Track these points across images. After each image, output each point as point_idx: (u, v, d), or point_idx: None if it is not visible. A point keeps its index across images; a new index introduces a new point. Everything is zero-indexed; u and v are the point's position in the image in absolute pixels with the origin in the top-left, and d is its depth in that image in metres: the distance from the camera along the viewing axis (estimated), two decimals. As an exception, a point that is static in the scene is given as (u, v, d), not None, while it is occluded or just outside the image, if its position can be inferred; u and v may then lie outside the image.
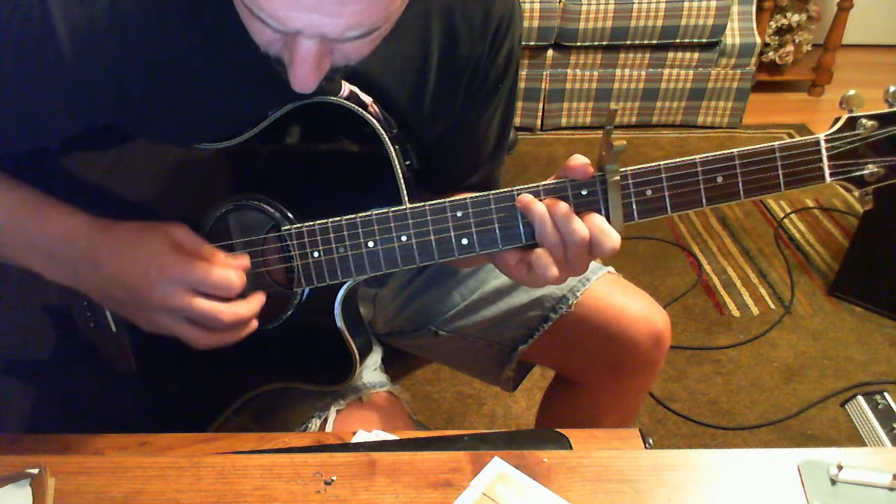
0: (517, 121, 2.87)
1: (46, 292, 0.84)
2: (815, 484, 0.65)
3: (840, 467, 0.65)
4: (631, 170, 0.70)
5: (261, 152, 0.77)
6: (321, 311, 0.79)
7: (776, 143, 0.69)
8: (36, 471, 0.65)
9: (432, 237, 0.73)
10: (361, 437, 0.80)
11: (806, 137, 0.69)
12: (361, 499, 0.64)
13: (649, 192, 0.70)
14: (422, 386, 1.75)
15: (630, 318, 0.95)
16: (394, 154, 0.75)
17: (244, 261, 0.75)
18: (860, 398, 1.70)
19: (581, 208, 0.70)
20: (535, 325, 0.98)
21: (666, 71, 2.79)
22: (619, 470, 0.67)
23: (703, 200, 0.70)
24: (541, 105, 2.85)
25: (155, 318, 0.72)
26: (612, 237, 0.69)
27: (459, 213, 0.72)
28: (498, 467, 0.67)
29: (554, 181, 0.71)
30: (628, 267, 2.13)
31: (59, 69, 0.67)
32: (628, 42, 2.69)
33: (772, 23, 3.02)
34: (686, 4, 2.60)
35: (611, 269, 1.01)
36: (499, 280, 1.00)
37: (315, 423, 0.87)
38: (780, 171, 0.69)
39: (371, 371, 0.94)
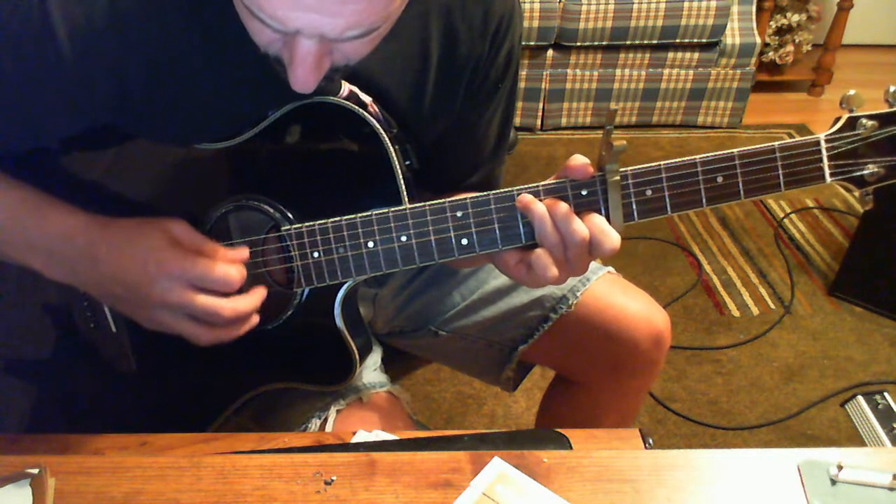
0: (517, 121, 2.87)
1: (46, 292, 0.84)
2: (815, 484, 0.65)
3: (840, 467, 0.65)
4: (631, 170, 0.70)
5: (261, 152, 0.77)
6: (321, 312, 0.79)
7: (776, 143, 0.68)
8: (36, 471, 0.65)
9: (432, 237, 0.73)
10: (361, 437, 0.80)
11: (806, 137, 0.69)
12: (361, 499, 0.64)
13: (649, 192, 0.70)
14: (422, 386, 1.75)
15: (630, 318, 0.95)
16: (394, 154, 0.75)
17: (243, 253, 0.74)
18: (860, 398, 1.70)
19: (581, 208, 0.70)
20: (535, 325, 0.98)
21: (666, 71, 2.79)
22: (619, 470, 0.67)
23: (704, 200, 0.70)
24: (541, 105, 2.84)
25: (155, 314, 0.72)
26: (612, 237, 0.69)
27: (459, 214, 0.72)
28: (498, 467, 0.67)
29: (554, 181, 0.71)
30: (628, 267, 2.13)
31: (58, 69, 0.67)
32: (628, 42, 2.69)
33: (772, 23, 3.02)
34: (686, 4, 2.60)
35: (611, 269, 1.01)
36: (499, 280, 1.00)
37: (315, 423, 0.87)
38: (780, 171, 0.69)
39: (371, 371, 0.94)
